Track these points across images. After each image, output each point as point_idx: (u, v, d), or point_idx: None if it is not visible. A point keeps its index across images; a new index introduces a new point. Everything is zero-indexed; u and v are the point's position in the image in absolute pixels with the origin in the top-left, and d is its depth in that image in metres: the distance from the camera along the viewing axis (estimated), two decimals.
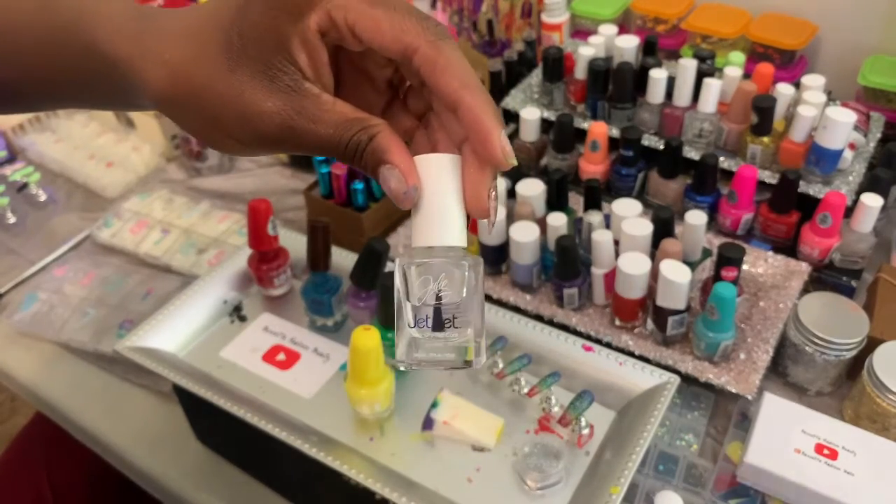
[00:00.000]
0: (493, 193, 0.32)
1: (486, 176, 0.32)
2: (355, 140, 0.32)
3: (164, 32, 0.34)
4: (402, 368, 0.33)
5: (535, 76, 1.00)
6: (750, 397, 0.65)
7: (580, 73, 0.93)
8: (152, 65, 0.34)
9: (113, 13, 0.36)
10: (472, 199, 0.32)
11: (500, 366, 0.59)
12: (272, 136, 0.33)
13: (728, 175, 0.82)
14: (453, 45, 0.31)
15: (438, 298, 0.32)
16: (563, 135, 0.89)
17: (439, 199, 0.32)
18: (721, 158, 0.83)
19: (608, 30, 0.95)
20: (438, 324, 0.32)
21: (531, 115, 0.90)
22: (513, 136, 0.96)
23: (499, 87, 0.98)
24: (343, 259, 0.71)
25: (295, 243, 0.73)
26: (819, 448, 0.61)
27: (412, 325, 0.32)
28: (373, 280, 0.64)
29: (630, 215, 0.73)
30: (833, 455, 0.61)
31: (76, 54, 0.36)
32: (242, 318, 0.69)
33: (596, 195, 0.79)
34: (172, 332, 0.66)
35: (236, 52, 0.32)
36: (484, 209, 0.32)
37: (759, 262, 0.78)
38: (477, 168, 0.32)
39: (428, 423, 0.58)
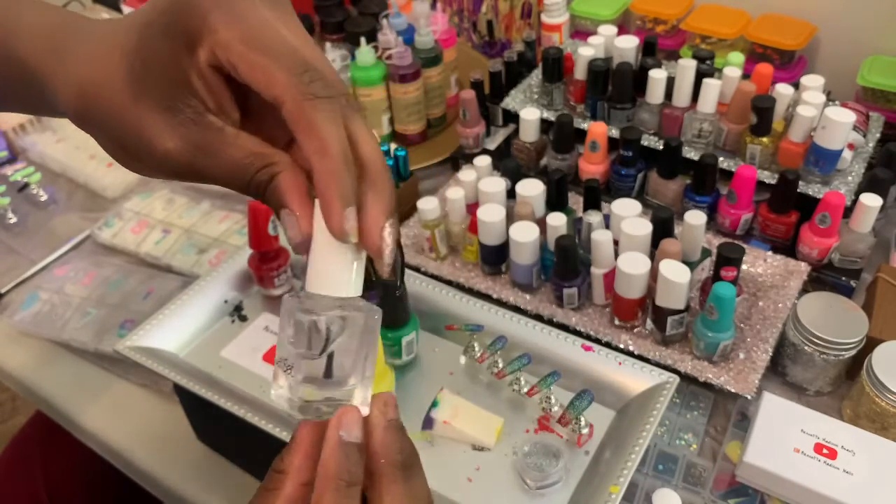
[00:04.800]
0: (387, 230, 0.32)
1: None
2: (256, 179, 0.32)
3: (76, 51, 0.34)
4: (288, 410, 0.34)
5: (535, 76, 1.00)
6: (749, 397, 0.66)
7: (580, 73, 0.93)
8: (63, 83, 0.34)
9: (35, 25, 0.36)
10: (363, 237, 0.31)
11: (500, 365, 0.60)
12: (176, 172, 0.33)
13: (727, 175, 0.82)
14: (324, 104, 0.30)
15: (326, 346, 0.32)
16: (562, 135, 0.90)
17: (335, 246, 0.31)
18: (720, 159, 0.83)
19: (608, 30, 0.96)
20: (314, 372, 0.33)
21: (531, 116, 0.90)
22: (512, 137, 0.96)
23: (498, 87, 0.98)
24: None
25: None
26: (818, 447, 0.61)
27: (286, 368, 0.33)
28: (373, 280, 0.64)
29: (629, 215, 0.73)
30: (832, 454, 0.61)
31: (1, 62, 0.36)
32: (243, 318, 0.70)
33: (595, 195, 0.79)
34: (173, 332, 0.66)
35: (138, 79, 0.32)
36: (376, 247, 0.32)
37: (759, 262, 0.78)
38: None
39: (428, 423, 0.58)
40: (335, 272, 0.32)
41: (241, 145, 0.33)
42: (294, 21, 0.33)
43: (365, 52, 0.97)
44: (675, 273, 0.67)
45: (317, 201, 0.31)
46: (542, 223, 0.76)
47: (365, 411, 0.33)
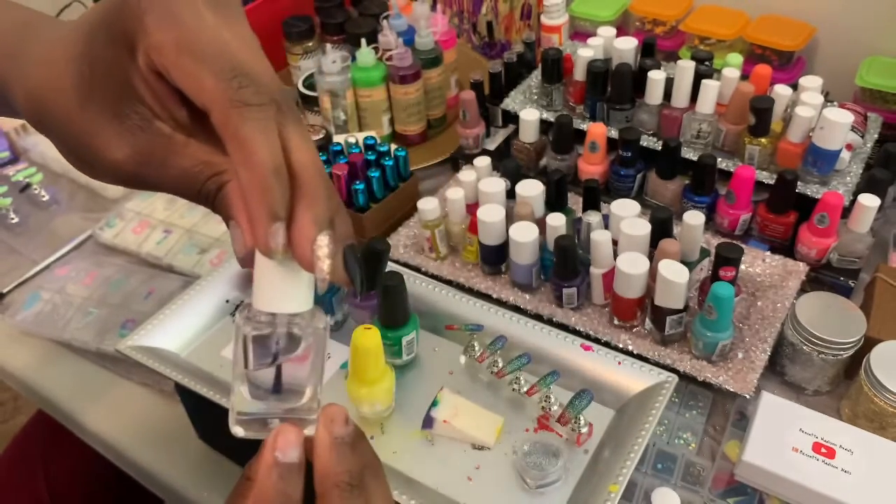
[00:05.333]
0: (320, 242, 0.30)
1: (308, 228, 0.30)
2: (206, 189, 0.31)
3: (30, 54, 0.33)
4: (234, 426, 0.33)
5: (535, 77, 1.01)
6: (748, 396, 0.66)
7: (579, 74, 0.94)
8: (16, 85, 0.33)
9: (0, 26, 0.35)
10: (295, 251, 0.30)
11: (500, 365, 0.60)
12: (127, 180, 0.32)
13: (726, 175, 0.83)
14: (253, 112, 0.28)
15: (276, 363, 0.32)
16: (562, 136, 0.90)
17: (280, 261, 0.30)
18: (719, 159, 0.83)
19: (607, 31, 0.96)
20: (277, 386, 0.32)
21: (530, 117, 0.90)
22: (512, 137, 0.97)
23: (498, 88, 0.98)
24: None
25: None
26: (816, 447, 0.61)
27: (245, 385, 0.32)
28: (373, 280, 0.64)
29: (629, 215, 0.74)
30: (830, 454, 0.61)
31: None
32: None
33: (595, 195, 0.80)
34: (174, 332, 0.66)
35: (86, 85, 0.31)
36: (307, 261, 0.30)
37: (757, 262, 0.78)
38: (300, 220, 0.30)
39: (428, 422, 0.58)
40: (280, 288, 0.31)
41: (189, 154, 0.31)
42: (240, 23, 0.31)
43: (365, 54, 0.97)
44: (673, 273, 0.67)
45: None
46: (541, 223, 0.77)
47: (312, 430, 0.33)
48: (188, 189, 0.32)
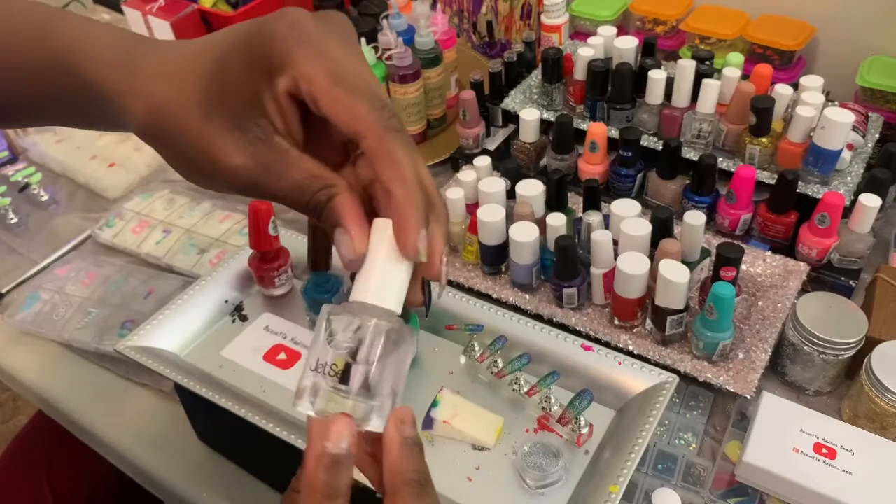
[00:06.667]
0: (443, 258, 0.35)
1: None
2: (315, 199, 0.34)
3: (149, 70, 0.36)
4: (298, 409, 0.34)
5: (535, 77, 1.01)
6: (748, 396, 0.66)
7: (579, 73, 0.94)
8: (134, 99, 0.35)
9: (104, 43, 0.37)
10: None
11: (500, 365, 0.60)
12: (240, 187, 0.35)
13: (727, 175, 0.82)
14: (401, 137, 0.33)
15: (355, 354, 0.33)
16: (562, 135, 0.90)
17: (388, 264, 0.34)
18: (719, 159, 0.83)
19: (607, 31, 0.96)
20: (346, 378, 0.33)
21: (530, 116, 0.90)
22: (512, 137, 0.97)
23: (498, 87, 0.98)
24: None
25: (296, 243, 0.73)
26: (817, 447, 0.61)
27: (317, 369, 0.33)
28: None
29: (629, 215, 0.74)
30: (831, 454, 0.61)
31: (64, 79, 0.38)
32: (243, 318, 0.70)
33: (595, 195, 0.79)
34: (174, 332, 0.66)
35: (214, 100, 0.34)
36: (436, 269, 0.35)
37: (758, 262, 0.78)
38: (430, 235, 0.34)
39: (428, 423, 0.58)
40: (385, 286, 0.34)
41: (303, 167, 0.34)
42: (363, 56, 0.35)
43: (365, 53, 0.97)
44: (674, 273, 0.67)
45: (376, 221, 0.34)
46: (541, 223, 0.77)
47: (381, 426, 0.34)
48: (298, 199, 0.35)
